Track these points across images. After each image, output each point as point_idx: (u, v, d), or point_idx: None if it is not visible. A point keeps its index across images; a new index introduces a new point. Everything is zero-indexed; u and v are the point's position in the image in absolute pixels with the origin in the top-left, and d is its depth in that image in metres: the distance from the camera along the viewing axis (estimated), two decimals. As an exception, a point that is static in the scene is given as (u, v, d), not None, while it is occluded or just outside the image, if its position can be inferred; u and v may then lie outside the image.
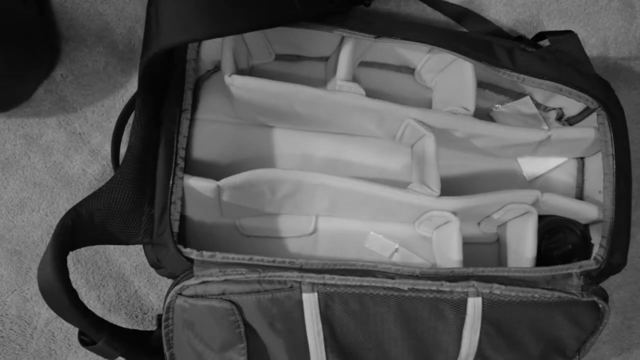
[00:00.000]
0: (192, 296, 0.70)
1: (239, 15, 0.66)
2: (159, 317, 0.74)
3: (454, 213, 0.77)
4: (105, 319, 0.73)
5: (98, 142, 0.89)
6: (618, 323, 0.95)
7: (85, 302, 0.69)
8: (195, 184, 0.73)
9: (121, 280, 0.89)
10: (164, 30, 0.66)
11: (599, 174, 0.80)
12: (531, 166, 0.88)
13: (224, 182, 0.74)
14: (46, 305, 0.86)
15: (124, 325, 0.88)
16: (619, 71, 0.94)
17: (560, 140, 0.81)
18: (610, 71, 0.94)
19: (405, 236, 0.83)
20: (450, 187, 0.82)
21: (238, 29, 0.69)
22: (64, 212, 0.87)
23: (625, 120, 0.78)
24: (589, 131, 0.81)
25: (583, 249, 0.81)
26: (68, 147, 0.89)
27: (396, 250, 0.83)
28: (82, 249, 0.87)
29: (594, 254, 0.76)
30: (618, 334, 0.95)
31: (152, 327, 0.89)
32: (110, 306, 0.89)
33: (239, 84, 0.74)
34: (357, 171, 0.83)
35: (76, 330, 0.71)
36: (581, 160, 0.88)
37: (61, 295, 0.65)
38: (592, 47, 0.93)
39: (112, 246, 0.89)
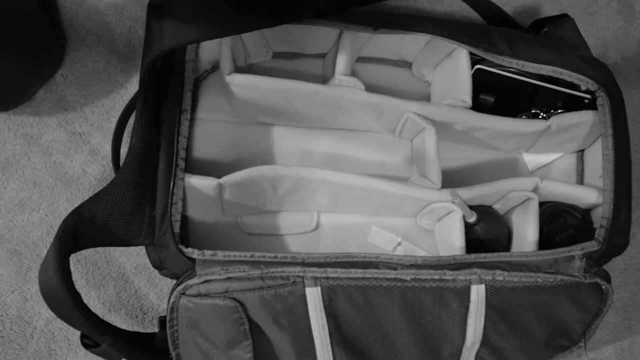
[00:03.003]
0: (195, 295, 0.70)
1: (242, 15, 0.66)
2: (161, 319, 0.74)
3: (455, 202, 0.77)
4: (105, 319, 0.73)
5: (98, 142, 0.89)
6: (618, 323, 0.95)
7: (85, 302, 0.69)
8: (197, 182, 0.73)
9: (121, 280, 0.89)
10: (168, 32, 0.66)
11: (598, 159, 0.80)
12: (534, 156, 0.88)
13: (225, 179, 0.74)
14: (46, 305, 0.86)
15: (123, 325, 0.88)
16: (619, 71, 0.95)
17: (561, 128, 0.81)
18: (610, 71, 0.94)
19: (408, 229, 0.84)
20: (452, 179, 0.83)
21: (242, 29, 0.69)
22: (64, 212, 0.88)
23: (623, 101, 0.78)
24: (587, 114, 0.80)
25: (585, 233, 0.81)
26: (68, 147, 0.89)
27: (399, 244, 0.83)
28: (82, 248, 0.88)
29: (595, 236, 0.76)
30: (618, 334, 0.95)
31: (153, 327, 0.89)
32: (110, 306, 0.89)
33: (239, 82, 0.74)
34: (357, 167, 0.83)
35: (76, 330, 0.70)
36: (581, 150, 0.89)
37: (65, 298, 0.65)
38: (592, 47, 0.93)
39: (112, 246, 0.89)
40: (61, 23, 0.88)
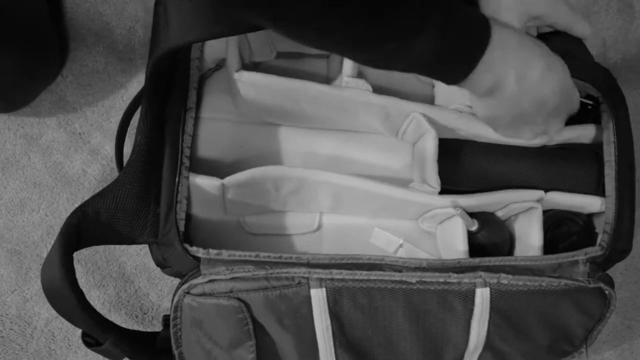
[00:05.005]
0: (199, 295, 0.69)
1: None
2: (165, 317, 0.74)
3: (457, 208, 0.77)
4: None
5: (98, 142, 0.89)
6: (618, 323, 0.95)
7: (86, 301, 0.69)
8: (200, 182, 0.73)
9: (121, 280, 0.89)
10: (175, 29, 0.66)
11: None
12: None
13: (228, 179, 0.74)
14: (46, 305, 0.86)
15: (124, 325, 0.88)
16: (619, 71, 0.95)
17: (562, 139, 0.81)
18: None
19: (410, 231, 0.83)
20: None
21: (249, 28, 0.69)
22: (64, 212, 0.88)
23: (627, 108, 0.77)
24: (590, 128, 0.81)
25: (588, 239, 0.80)
26: (68, 147, 0.89)
27: (401, 245, 0.83)
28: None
29: (598, 241, 0.76)
30: (618, 334, 0.95)
31: (153, 327, 0.89)
32: (110, 306, 0.89)
33: (247, 80, 0.74)
34: (361, 169, 0.83)
35: (76, 330, 0.70)
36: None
37: (68, 296, 0.65)
38: (592, 47, 0.93)
39: (112, 246, 0.89)
40: (62, 23, 0.89)
